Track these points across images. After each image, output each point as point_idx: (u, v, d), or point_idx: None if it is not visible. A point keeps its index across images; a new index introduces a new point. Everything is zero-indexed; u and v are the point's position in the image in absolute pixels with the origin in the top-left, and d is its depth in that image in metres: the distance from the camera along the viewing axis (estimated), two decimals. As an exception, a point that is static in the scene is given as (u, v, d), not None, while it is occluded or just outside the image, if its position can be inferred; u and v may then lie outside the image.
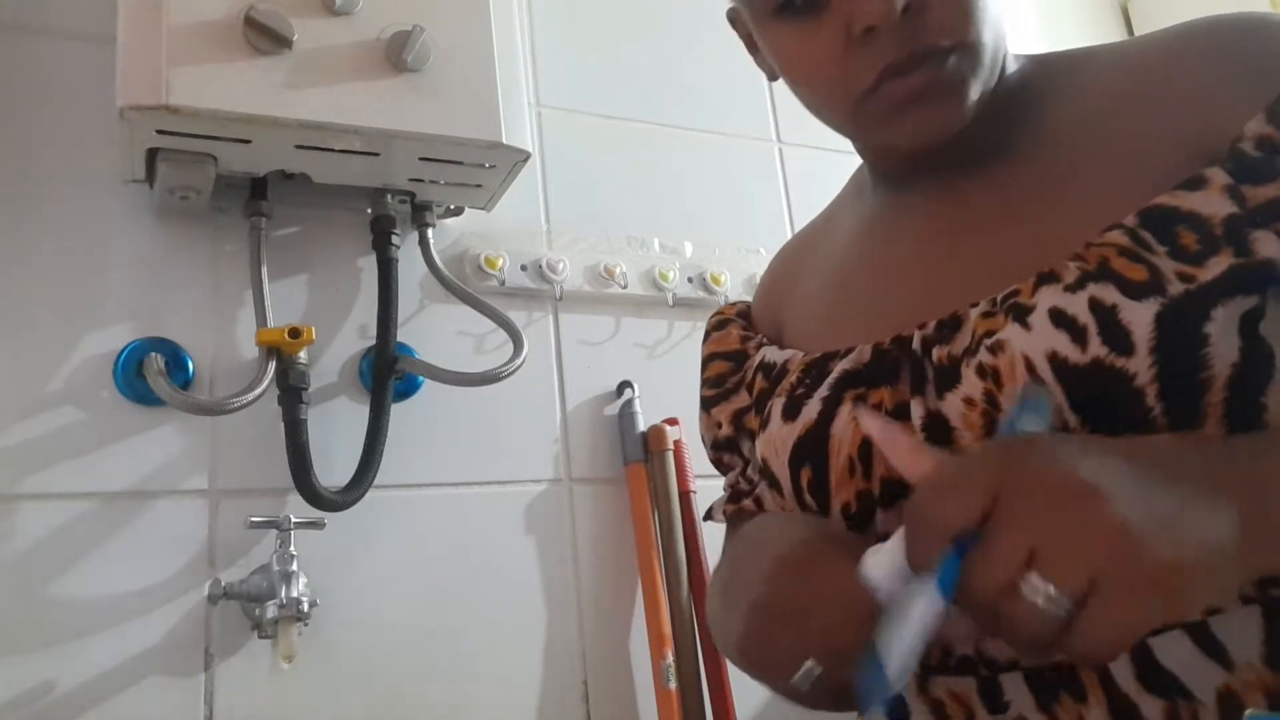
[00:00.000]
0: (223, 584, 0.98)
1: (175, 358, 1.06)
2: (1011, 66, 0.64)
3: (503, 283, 1.25)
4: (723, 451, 0.74)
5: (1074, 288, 0.51)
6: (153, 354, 1.00)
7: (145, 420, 1.04)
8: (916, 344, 0.57)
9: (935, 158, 0.63)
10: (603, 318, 1.32)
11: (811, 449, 0.59)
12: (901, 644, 0.42)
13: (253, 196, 1.11)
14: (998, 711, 0.53)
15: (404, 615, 1.09)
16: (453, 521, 1.15)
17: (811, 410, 0.60)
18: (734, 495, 0.73)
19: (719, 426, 0.74)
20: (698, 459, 1.25)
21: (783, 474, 0.61)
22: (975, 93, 0.57)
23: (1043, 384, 0.50)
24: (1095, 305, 0.50)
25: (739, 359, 0.75)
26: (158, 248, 1.10)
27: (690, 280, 1.36)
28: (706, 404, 0.76)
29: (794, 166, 1.53)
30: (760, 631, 0.51)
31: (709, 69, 1.52)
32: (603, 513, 1.23)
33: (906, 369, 0.57)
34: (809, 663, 0.47)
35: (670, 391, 1.30)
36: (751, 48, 0.68)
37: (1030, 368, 0.50)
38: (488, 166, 1.11)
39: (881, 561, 0.46)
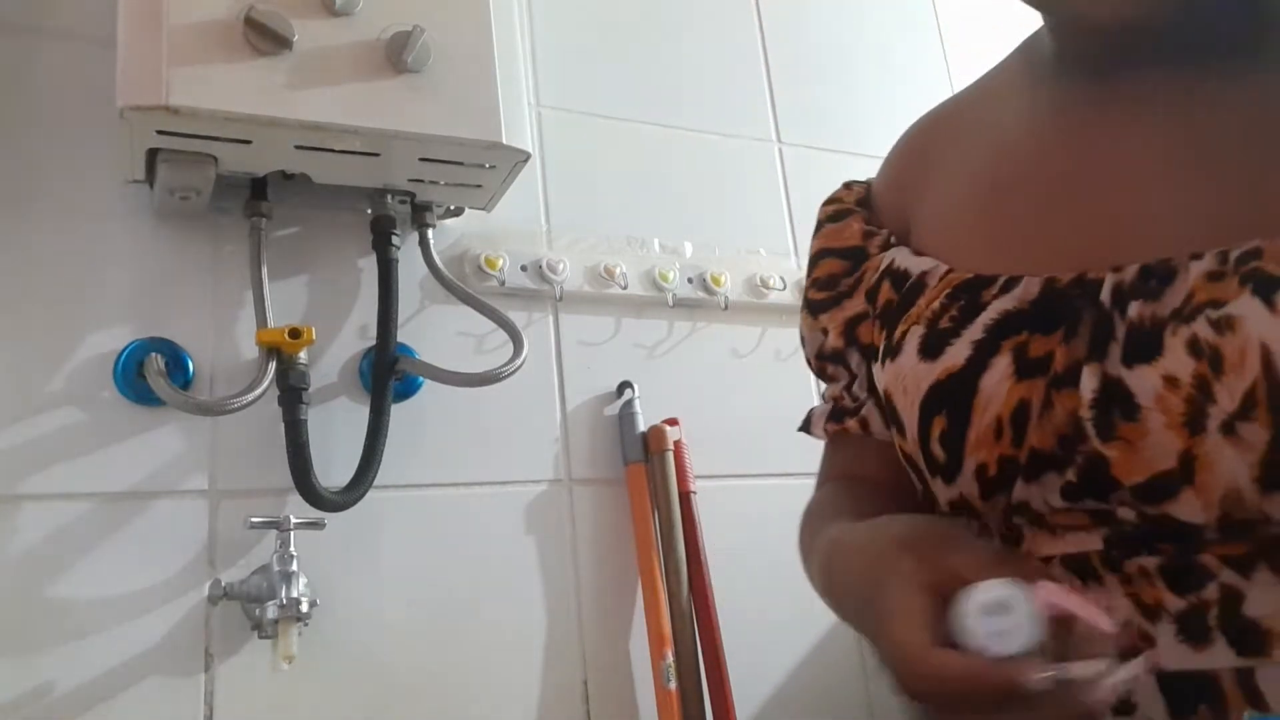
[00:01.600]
0: (223, 584, 0.98)
1: (175, 358, 1.06)
2: None
3: (503, 283, 1.25)
4: (827, 362, 0.66)
5: None
6: (153, 354, 1.00)
7: (145, 420, 1.04)
8: (1107, 292, 0.46)
9: (1158, 45, 0.50)
10: (603, 318, 1.32)
11: (952, 397, 0.50)
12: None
13: (253, 197, 1.11)
14: (1124, 713, 0.47)
15: (404, 615, 1.09)
16: (453, 521, 1.15)
17: (958, 353, 0.51)
18: (836, 412, 0.65)
19: (825, 334, 0.65)
20: (698, 459, 1.25)
21: (910, 416, 0.53)
22: None
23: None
24: None
25: (857, 257, 0.64)
26: (158, 248, 1.10)
27: (690, 280, 1.36)
28: (814, 307, 0.66)
29: (794, 166, 1.53)
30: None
31: (709, 69, 1.52)
32: (603, 513, 1.23)
33: (1088, 320, 0.46)
34: None
35: (670, 392, 1.30)
36: None
37: (1269, 362, 0.40)
38: (488, 167, 1.11)
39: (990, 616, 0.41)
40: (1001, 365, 0.49)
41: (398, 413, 1.13)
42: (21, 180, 1.06)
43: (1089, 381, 0.45)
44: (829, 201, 0.70)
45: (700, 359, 1.35)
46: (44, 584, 0.96)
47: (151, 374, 0.98)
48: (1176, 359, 0.43)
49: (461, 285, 1.19)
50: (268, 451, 1.06)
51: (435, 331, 1.21)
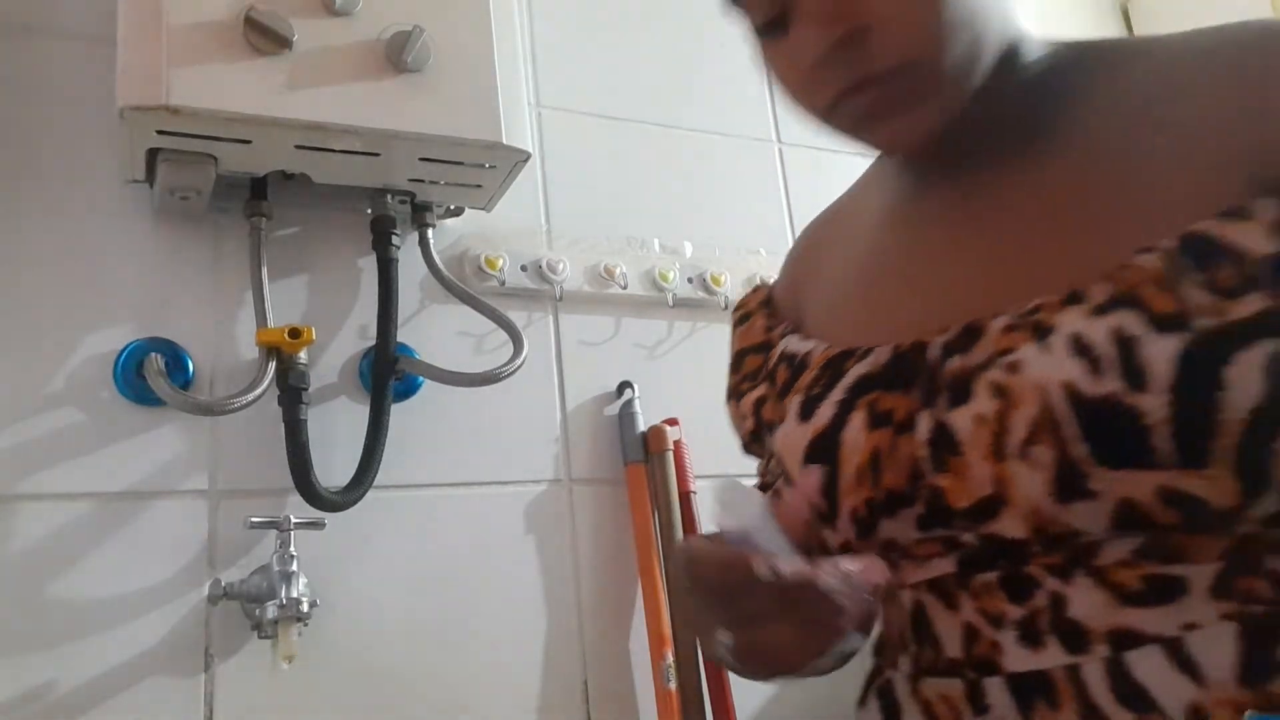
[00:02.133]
0: (223, 584, 0.98)
1: (175, 358, 1.06)
2: (1035, 54, 0.62)
3: (503, 283, 1.25)
4: (751, 442, 0.74)
5: (1100, 311, 0.50)
6: (153, 354, 1.00)
7: (145, 420, 1.04)
8: (935, 352, 0.56)
9: (959, 148, 0.61)
10: (603, 318, 1.32)
11: (824, 453, 0.59)
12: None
13: (253, 197, 1.11)
14: (981, 713, 0.54)
15: (404, 615, 1.09)
16: (453, 521, 1.15)
17: (825, 413, 0.60)
18: (761, 487, 0.73)
19: (746, 418, 0.74)
20: (698, 459, 1.25)
21: (795, 473, 0.61)
22: (937, 105, 0.58)
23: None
24: (1118, 336, 0.48)
25: (766, 348, 0.75)
26: (158, 248, 1.10)
27: (690, 280, 1.36)
28: (739, 395, 0.76)
29: (794, 166, 1.53)
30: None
31: (709, 69, 1.52)
32: (603, 513, 1.23)
33: (923, 377, 0.56)
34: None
35: (670, 392, 1.30)
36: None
37: (1044, 394, 0.49)
38: (488, 167, 1.11)
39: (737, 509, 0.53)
40: (857, 420, 0.58)
41: (398, 413, 1.13)
42: (21, 180, 1.06)
43: (923, 426, 0.54)
44: (738, 307, 0.82)
45: (700, 359, 1.35)
46: (44, 584, 0.96)
47: (151, 374, 0.98)
48: (982, 400, 0.52)
49: (461, 285, 1.19)
50: (268, 451, 1.06)
51: (435, 331, 1.21)
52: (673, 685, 1.13)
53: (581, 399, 1.27)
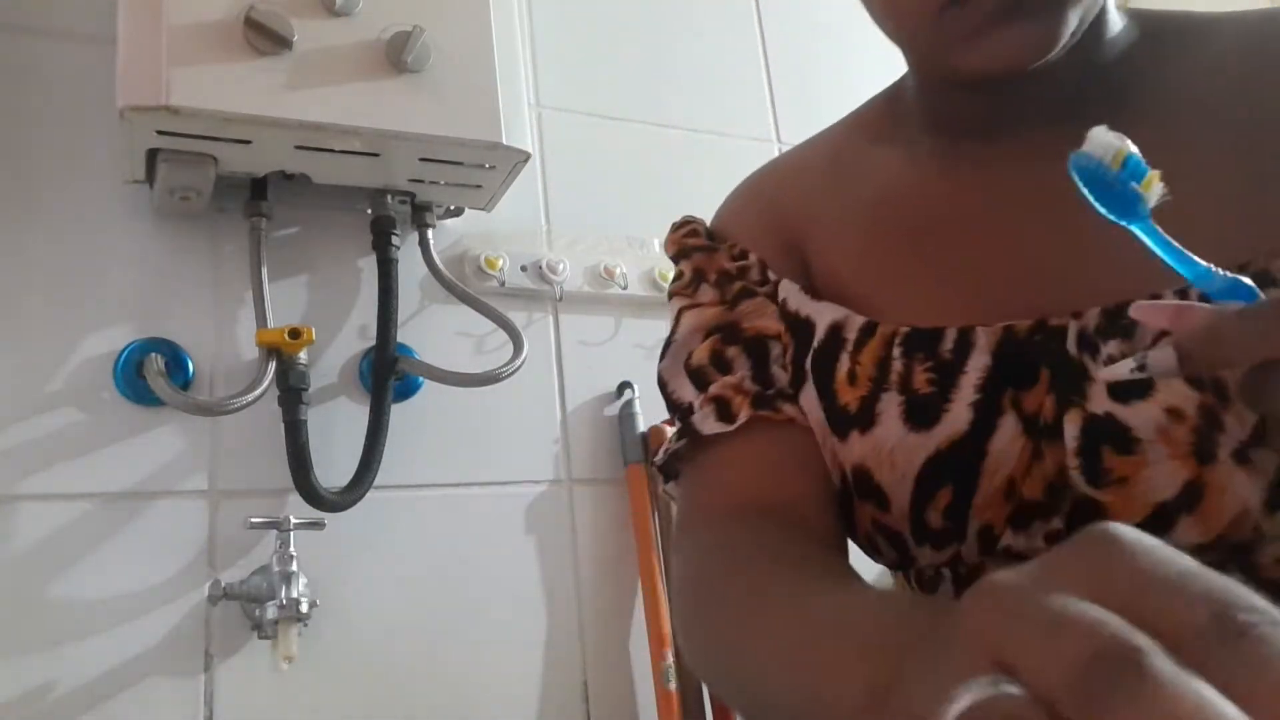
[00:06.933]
0: (223, 584, 0.98)
1: (175, 358, 1.06)
2: (1117, 16, 0.55)
3: (503, 283, 1.25)
4: (728, 345, 0.63)
5: None
6: (153, 354, 1.00)
7: (145, 420, 1.04)
8: (1073, 337, 0.47)
9: (1033, 106, 0.53)
10: (603, 318, 1.32)
11: (958, 466, 0.49)
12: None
13: (253, 197, 1.11)
14: None
15: (404, 615, 1.09)
16: (453, 521, 1.15)
17: (958, 420, 0.49)
18: (761, 399, 0.59)
19: (734, 326, 0.62)
20: (698, 459, 1.25)
21: (900, 490, 0.51)
22: (1074, 16, 0.48)
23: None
24: None
25: (740, 278, 0.65)
26: (158, 248, 1.10)
27: (690, 280, 1.36)
28: (734, 297, 0.63)
29: (794, 167, 1.53)
30: None
31: (709, 69, 1.52)
32: (603, 513, 1.23)
33: (1049, 367, 0.47)
34: None
35: (670, 392, 1.30)
36: None
37: None
38: (488, 167, 1.11)
39: None
40: (1009, 425, 0.48)
41: (398, 413, 1.13)
42: (21, 180, 1.06)
43: (1070, 429, 0.46)
44: (683, 226, 0.71)
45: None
46: (44, 584, 0.96)
47: (151, 374, 0.98)
48: (1176, 392, 0.43)
49: (461, 285, 1.19)
50: (268, 451, 1.06)
51: (435, 331, 1.21)
52: (673, 686, 1.13)
53: (581, 399, 1.27)
